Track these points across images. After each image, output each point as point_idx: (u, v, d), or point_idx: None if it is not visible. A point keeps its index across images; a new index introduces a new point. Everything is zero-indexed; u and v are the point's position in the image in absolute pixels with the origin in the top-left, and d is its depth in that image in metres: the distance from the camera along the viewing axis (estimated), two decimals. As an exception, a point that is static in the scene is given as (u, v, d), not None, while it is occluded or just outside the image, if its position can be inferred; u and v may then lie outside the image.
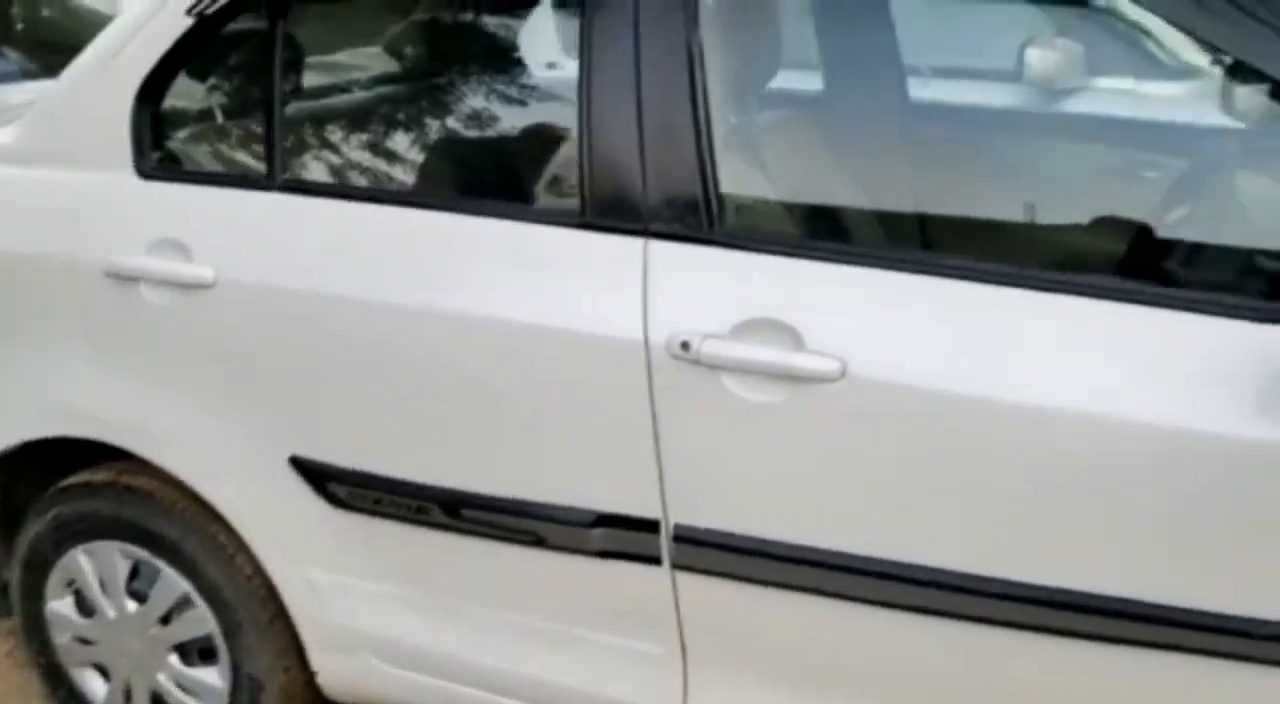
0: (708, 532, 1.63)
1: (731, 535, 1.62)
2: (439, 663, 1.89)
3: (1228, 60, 2.28)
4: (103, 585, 2.09)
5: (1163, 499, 1.43)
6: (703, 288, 1.61)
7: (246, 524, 1.93)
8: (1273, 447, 1.37)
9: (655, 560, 1.67)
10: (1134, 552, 1.45)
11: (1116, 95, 3.20)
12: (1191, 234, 1.87)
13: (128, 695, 2.14)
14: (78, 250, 1.97)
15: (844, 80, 2.39)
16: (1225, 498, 1.40)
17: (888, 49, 2.42)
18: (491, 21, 2.38)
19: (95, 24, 3.14)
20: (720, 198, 1.63)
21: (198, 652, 2.07)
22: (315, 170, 2.06)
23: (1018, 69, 3.21)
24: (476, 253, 1.75)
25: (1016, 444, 1.47)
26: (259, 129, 1.95)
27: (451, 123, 2.17)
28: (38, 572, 2.14)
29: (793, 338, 1.54)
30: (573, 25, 1.76)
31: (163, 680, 2.09)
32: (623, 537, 1.68)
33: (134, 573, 2.07)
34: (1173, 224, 1.89)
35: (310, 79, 2.15)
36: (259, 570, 1.95)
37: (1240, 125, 2.24)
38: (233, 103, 2.08)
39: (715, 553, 1.63)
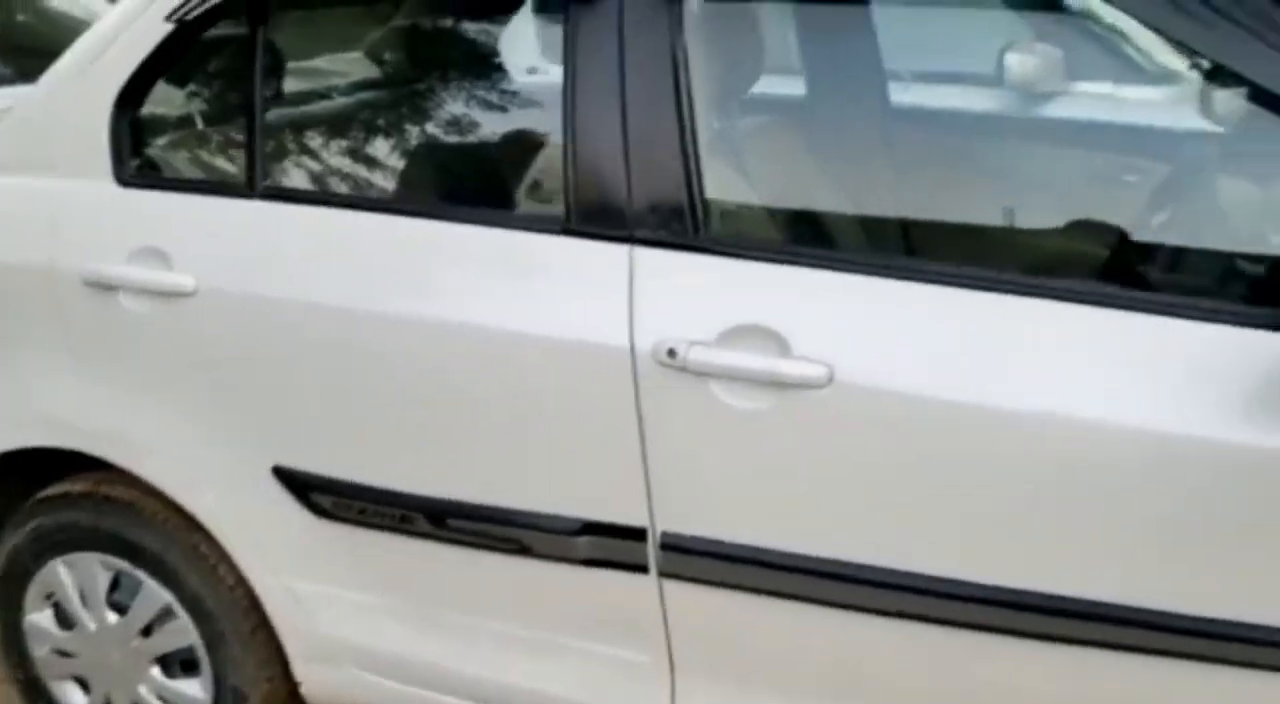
0: (694, 539, 1.63)
1: (719, 543, 1.61)
2: (424, 673, 1.88)
3: (1205, 64, 2.31)
4: (83, 597, 2.06)
5: (1149, 504, 1.43)
6: (689, 294, 1.60)
7: (229, 534, 1.91)
8: (1257, 451, 1.37)
9: (642, 568, 1.67)
10: (1122, 557, 1.45)
11: (1095, 99, 3.22)
12: (1174, 238, 1.88)
13: (108, 708, 2.12)
14: (56, 259, 1.95)
15: (827, 85, 2.39)
16: (1211, 502, 1.41)
17: (869, 54, 2.42)
18: (472, 27, 2.37)
19: (71, 29, 3.12)
20: (706, 204, 1.62)
21: (180, 663, 2.05)
22: (297, 177, 2.05)
23: (998, 73, 3.22)
24: (460, 260, 1.74)
25: (1004, 450, 1.47)
26: (239, 136, 1.94)
27: (433, 129, 2.16)
28: (16, 584, 2.12)
29: (779, 344, 1.54)
30: (553, 30, 1.76)
31: (144, 693, 2.07)
32: (609, 545, 1.67)
33: (114, 584, 2.05)
34: (1156, 229, 1.90)
35: (291, 85, 2.13)
36: (241, 581, 1.94)
37: (1219, 129, 2.25)
38: (213, 109, 2.07)
39: (702, 561, 1.63)
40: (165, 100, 2.02)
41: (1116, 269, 1.72)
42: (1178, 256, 1.79)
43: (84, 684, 2.15)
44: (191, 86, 2.08)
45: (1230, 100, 2.13)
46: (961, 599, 1.50)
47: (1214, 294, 1.57)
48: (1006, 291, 1.49)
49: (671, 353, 1.57)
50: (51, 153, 2.01)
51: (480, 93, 2.21)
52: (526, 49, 2.71)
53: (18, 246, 2.01)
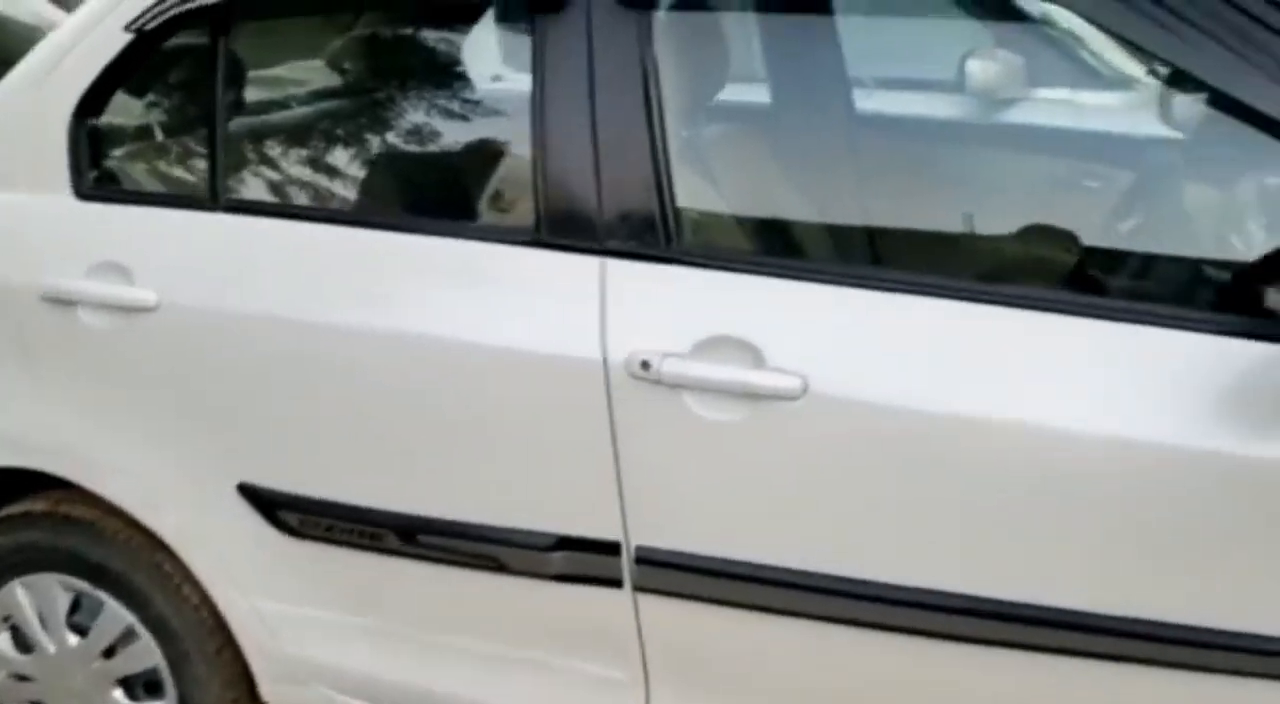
0: (669, 553, 1.62)
1: (694, 556, 1.60)
2: (395, 692, 1.85)
3: (1163, 70, 2.33)
4: (42, 619, 2.02)
5: (1124, 512, 1.43)
6: (662, 306, 1.59)
7: (193, 553, 1.88)
8: (1230, 459, 1.38)
9: (616, 583, 1.65)
10: (1098, 565, 1.46)
11: (1056, 105, 3.25)
12: (1139, 245, 1.89)
13: (70, 733, 2.07)
14: (13, 274, 1.91)
15: (792, 93, 2.39)
16: (1185, 510, 1.42)
17: (834, 61, 2.43)
18: (435, 35, 2.35)
19: (24, 38, 3.06)
20: (678, 215, 1.62)
21: (143, 685, 2.01)
22: (260, 189, 2.02)
23: (959, 80, 3.24)
24: (428, 273, 1.72)
25: (979, 460, 1.47)
26: (201, 147, 1.91)
27: (399, 139, 2.14)
28: (-29, 607, 2.07)
29: (753, 355, 1.53)
30: (517, 38, 1.74)
31: (107, 716, 2.03)
32: (583, 560, 1.66)
33: (75, 606, 2.00)
34: (1126, 236, 1.92)
35: (252, 94, 2.10)
36: (206, 600, 1.90)
37: (1178, 135, 2.28)
38: (173, 120, 2.03)
39: (677, 574, 1.62)
40: (124, 111, 1.99)
41: (1091, 278, 1.73)
42: (1143, 263, 1.81)
43: (44, 709, 2.10)
44: (151, 97, 2.05)
45: (1189, 105, 2.15)
46: (939, 610, 1.50)
47: (1186, 302, 1.59)
48: (980, 301, 1.49)
49: (645, 365, 1.56)
50: (7, 165, 1.97)
51: (445, 102, 2.19)
52: (490, 57, 2.69)
53: (-27, 262, 1.96)
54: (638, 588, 1.65)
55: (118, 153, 2.02)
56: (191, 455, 1.83)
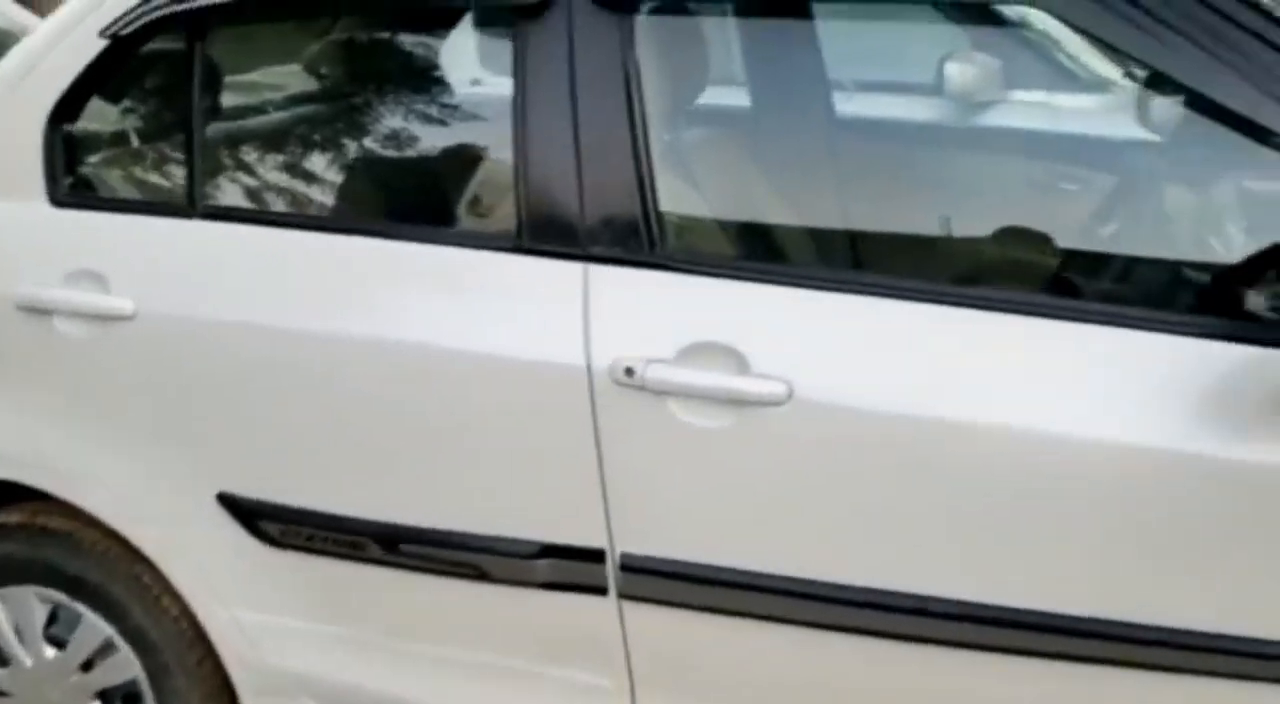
0: (654, 560, 1.61)
1: (679, 563, 1.60)
2: (378, 702, 1.83)
3: (1139, 72, 2.34)
4: (18, 632, 1.99)
5: (1110, 516, 1.44)
6: (646, 312, 1.59)
7: (173, 564, 1.86)
8: (1212, 461, 1.39)
9: (601, 590, 1.64)
10: (1085, 569, 1.46)
11: (1033, 108, 3.26)
12: (1125, 249, 1.90)
13: (47, 747, 2.05)
14: (-13, 282, 1.89)
15: (773, 97, 2.39)
16: (1168, 514, 1.42)
17: (814, 65, 2.43)
18: (414, 39, 2.34)
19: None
20: (661, 220, 1.61)
21: (122, 698, 1.97)
22: (239, 196, 2.00)
23: (937, 83, 3.25)
24: (409, 279, 1.71)
25: (964, 464, 1.47)
26: (178, 153, 1.89)
27: (379, 145, 2.12)
28: (-53, 621, 2.04)
29: (738, 361, 1.53)
30: (496, 42, 1.73)
31: (85, 729, 2.01)
32: (567, 567, 1.65)
33: (52, 618, 1.98)
34: (1107, 240, 1.92)
35: (229, 100, 2.08)
36: (186, 612, 1.88)
37: (1156, 137, 2.29)
38: (149, 126, 2.01)
39: (662, 581, 1.61)
40: (100, 117, 1.96)
41: (1065, 280, 1.73)
42: (1124, 266, 1.82)
43: (20, 723, 2.08)
44: (127, 103, 2.02)
45: (1167, 107, 2.17)
46: (926, 615, 1.50)
47: (1162, 304, 1.59)
48: (964, 305, 1.49)
49: (629, 371, 1.55)
50: (-20, 172, 1.94)
51: (425, 106, 2.17)
52: (469, 61, 2.67)
53: (-54, 270, 1.94)
54: (623, 595, 1.64)
55: (93, 159, 2.00)
56: (170, 465, 1.81)
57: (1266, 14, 1.44)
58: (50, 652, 1.98)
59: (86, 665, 1.96)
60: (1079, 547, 1.46)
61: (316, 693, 1.86)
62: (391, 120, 2.18)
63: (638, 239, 1.59)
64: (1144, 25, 1.42)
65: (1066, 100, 3.20)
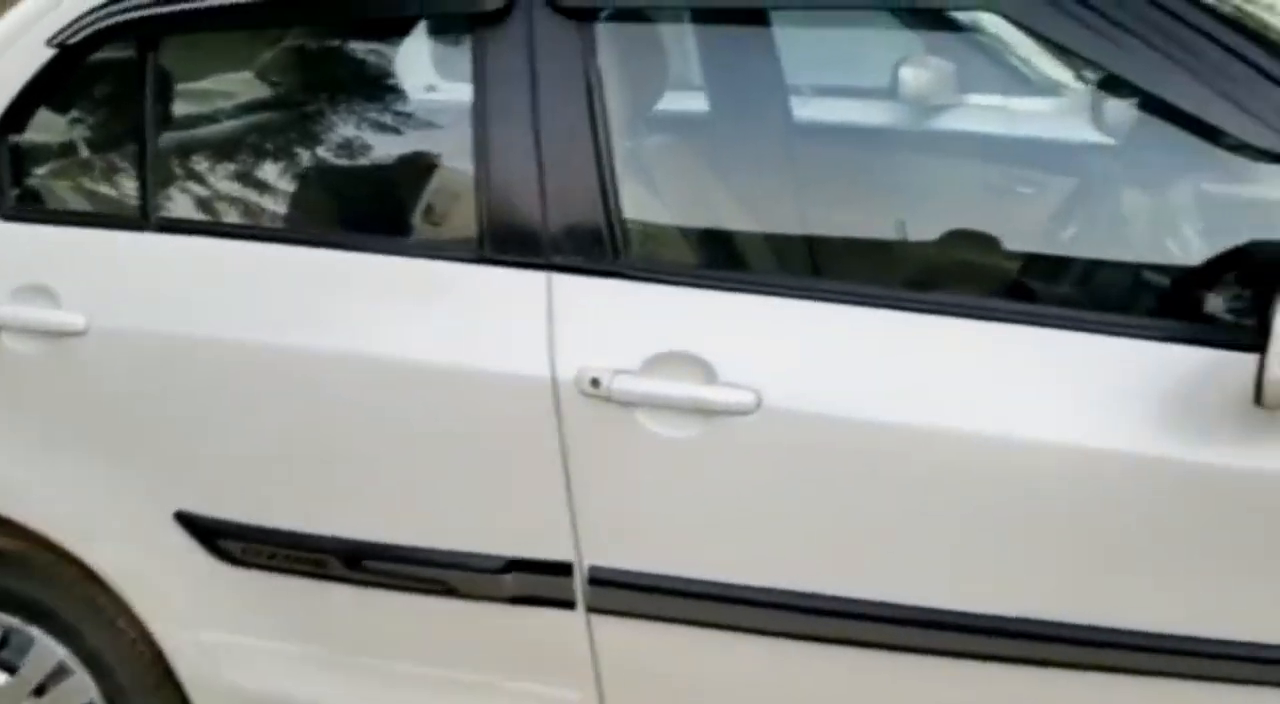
0: (623, 573, 1.60)
1: (648, 575, 1.58)
2: (344, 722, 1.81)
3: (1092, 75, 2.36)
4: (-32, 658, 1.94)
5: (1079, 520, 1.44)
6: (611, 322, 1.57)
7: (130, 586, 1.82)
8: (1176, 464, 1.40)
9: (569, 604, 1.63)
10: (1053, 573, 1.47)
11: (989, 111, 3.29)
12: (1084, 252, 1.91)
13: (-1, 775, 2.00)
14: (-69, 299, 1.83)
15: (731, 103, 2.39)
16: (1134, 517, 1.43)
17: (771, 69, 2.43)
18: (369, 45, 2.31)
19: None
20: (625, 228, 1.60)
21: (77, 723, 1.94)
22: (192, 207, 1.96)
23: (893, 87, 3.27)
24: (370, 291, 1.68)
25: (933, 471, 1.47)
26: (130, 165, 1.85)
27: (337, 154, 2.09)
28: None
29: (705, 370, 1.52)
30: (452, 48, 1.71)
31: (38, 756, 1.96)
32: (535, 581, 1.63)
33: (3, 642, 1.92)
34: (1066, 243, 1.94)
35: (181, 109, 2.04)
36: (143, 633, 1.84)
37: (1110, 140, 2.31)
38: (99, 137, 1.96)
39: (631, 594, 1.60)
40: (47, 128, 1.92)
41: (1026, 285, 1.74)
42: (1084, 270, 1.83)
43: (-29, 751, 2.02)
44: (76, 113, 1.98)
45: (1121, 110, 2.19)
46: (899, 623, 1.50)
47: (1122, 308, 1.61)
48: (930, 312, 1.50)
49: (595, 382, 1.54)
50: (-76, 185, 1.89)
51: (382, 114, 2.14)
52: (424, 67, 2.64)
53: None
54: (591, 609, 1.62)
55: (41, 171, 1.95)
56: (125, 484, 1.77)
57: (1215, 13, 1.45)
58: (1, 678, 1.93)
59: (39, 691, 1.91)
60: (1047, 551, 1.46)
61: (281, 714, 1.83)
62: (348, 128, 2.14)
63: (602, 248, 1.58)
64: (1096, 27, 1.43)
65: (1021, 104, 3.23)
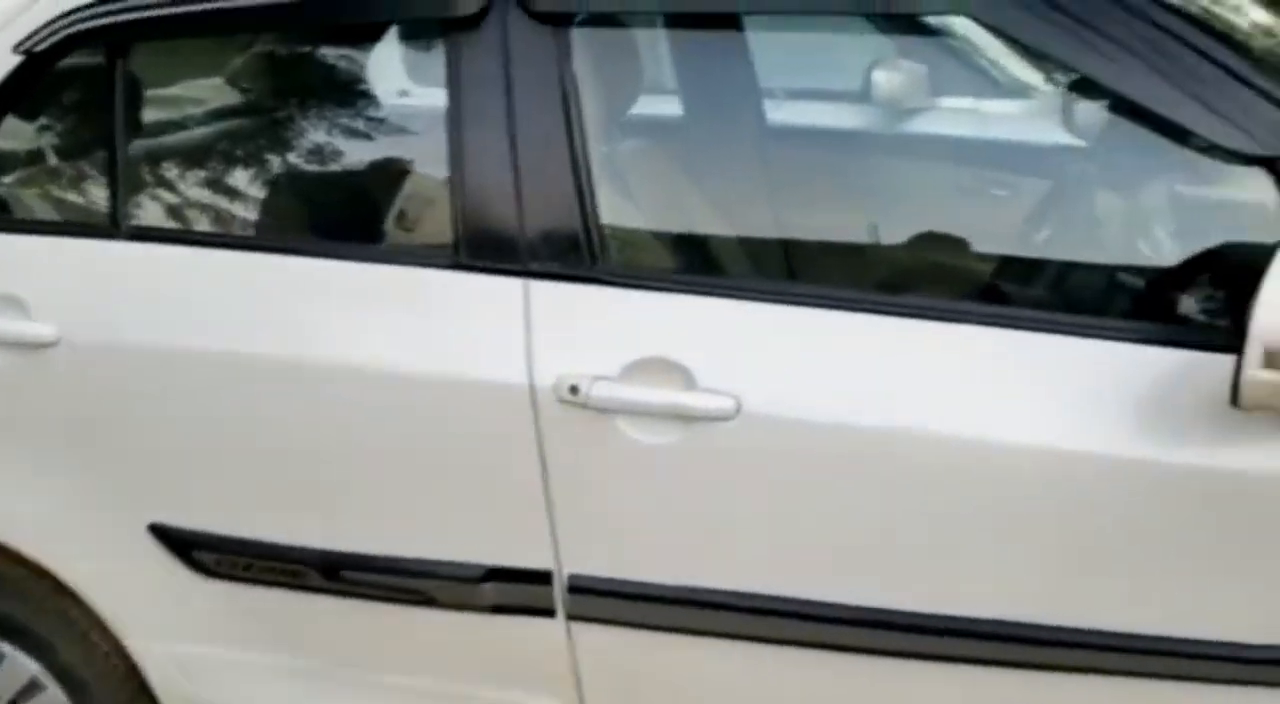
0: (603, 580, 1.59)
1: (628, 583, 1.58)
2: (322, 733, 1.79)
3: (1062, 78, 2.37)
4: (-63, 673, 1.91)
5: (1057, 522, 1.45)
6: (589, 328, 1.57)
7: (103, 599, 1.80)
8: (1153, 466, 1.40)
9: (549, 612, 1.62)
10: (1031, 575, 1.47)
11: (960, 114, 3.30)
12: (1058, 255, 1.92)
13: (-30, 793, 1.97)
14: (-103, 310, 1.81)
15: (705, 107, 2.39)
16: (1113, 519, 1.43)
17: (745, 72, 2.43)
18: (341, 50, 2.29)
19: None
20: (602, 234, 1.59)
21: (49, 738, 1.91)
22: (164, 215, 1.94)
23: (865, 90, 3.28)
24: (345, 299, 1.67)
25: (912, 474, 1.47)
26: (100, 173, 1.82)
27: (309, 160, 2.07)
28: None
29: (684, 376, 1.51)
30: (425, 52, 1.70)
31: (11, 773, 1.93)
32: (514, 590, 1.62)
33: (-27, 657, 1.90)
34: (1041, 246, 1.94)
35: (151, 115, 2.02)
36: (117, 647, 1.82)
37: (1081, 142, 2.32)
38: (68, 144, 1.94)
39: (612, 602, 1.59)
40: (15, 135, 1.89)
41: (1012, 290, 1.75)
42: (1058, 272, 1.84)
43: (-59, 768, 1.99)
44: (44, 120, 1.95)
45: (1091, 112, 2.20)
46: (880, 627, 1.50)
47: (1098, 310, 1.62)
48: (908, 316, 1.50)
49: (574, 389, 1.53)
50: (-112, 195, 1.86)
51: (356, 121, 2.13)
52: (396, 72, 2.62)
53: None
54: (571, 616, 1.62)
55: (9, 180, 1.93)
56: (98, 497, 1.75)
57: (1183, 14, 1.46)
58: (-28, 693, 1.91)
59: (11, 706, 1.90)
60: (1025, 554, 1.46)
61: (257, 726, 1.82)
62: (321, 134, 2.13)
63: (579, 254, 1.57)
64: (1066, 28, 1.43)
65: (992, 106, 3.25)
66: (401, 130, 2.15)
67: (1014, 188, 2.53)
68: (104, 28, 1.73)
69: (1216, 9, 1.71)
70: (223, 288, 1.71)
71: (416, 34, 2.13)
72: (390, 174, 2.01)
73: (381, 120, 2.15)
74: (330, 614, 1.71)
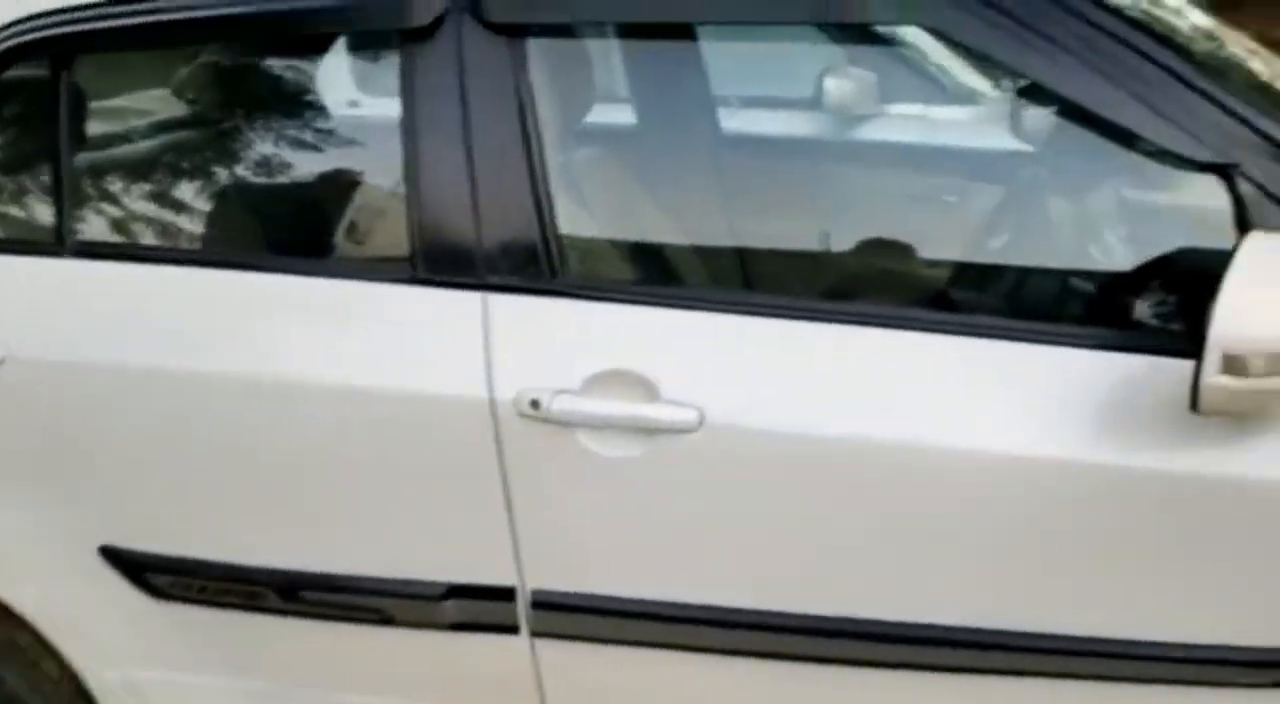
0: (566, 595, 1.58)
1: (592, 597, 1.57)
2: (282, 756, 1.76)
3: (1010, 84, 2.39)
4: (-122, 704, 1.86)
5: (1020, 527, 1.45)
6: (549, 341, 1.55)
7: (53, 625, 1.75)
8: (1115, 470, 1.41)
9: (512, 629, 1.60)
10: (995, 581, 1.48)
11: (910, 121, 3.33)
12: (1011, 261, 1.93)
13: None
14: None
15: (659, 115, 2.38)
16: (1075, 522, 1.44)
17: (698, 81, 2.43)
18: (289, 61, 2.26)
19: None
20: (560, 245, 1.57)
21: (-3, 769, 1.86)
22: (110, 231, 1.89)
23: (816, 97, 3.30)
24: (299, 315, 1.64)
25: (878, 483, 1.47)
26: (44, 187, 1.78)
27: (259, 173, 2.03)
28: None
29: (646, 389, 1.50)
30: (376, 63, 1.68)
31: (-44, 805, 1.88)
32: (477, 607, 1.61)
33: (-84, 687, 1.85)
34: (998, 253, 1.96)
35: (97, 128, 1.97)
36: (68, 673, 1.77)
37: (1029, 147, 2.34)
38: (11, 158, 1.88)
39: (576, 617, 1.58)
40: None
41: (971, 297, 1.76)
42: (1014, 279, 1.85)
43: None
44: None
45: (1039, 118, 2.22)
46: (845, 636, 1.50)
47: (1054, 317, 1.63)
48: (870, 324, 1.50)
49: (535, 404, 1.51)
50: None
51: (304, 131, 2.10)
52: (346, 82, 2.59)
53: None
54: (535, 633, 1.60)
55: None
56: (47, 519, 1.70)
57: (1125, 17, 1.47)
58: (-85, 724, 1.86)
59: (-43, 736, 1.84)
60: (989, 560, 1.47)
61: (213, 750, 1.78)
62: (270, 146, 2.09)
63: (537, 266, 1.56)
64: (1013, 34, 1.43)
65: (942, 113, 3.28)
66: (352, 142, 2.12)
67: (964, 193, 2.55)
68: (47, 39, 1.69)
69: (1157, 12, 1.72)
70: (172, 304, 1.68)
71: (366, 44, 2.10)
72: (342, 186, 1.98)
73: (331, 131, 2.12)
74: (288, 635, 1.69)
